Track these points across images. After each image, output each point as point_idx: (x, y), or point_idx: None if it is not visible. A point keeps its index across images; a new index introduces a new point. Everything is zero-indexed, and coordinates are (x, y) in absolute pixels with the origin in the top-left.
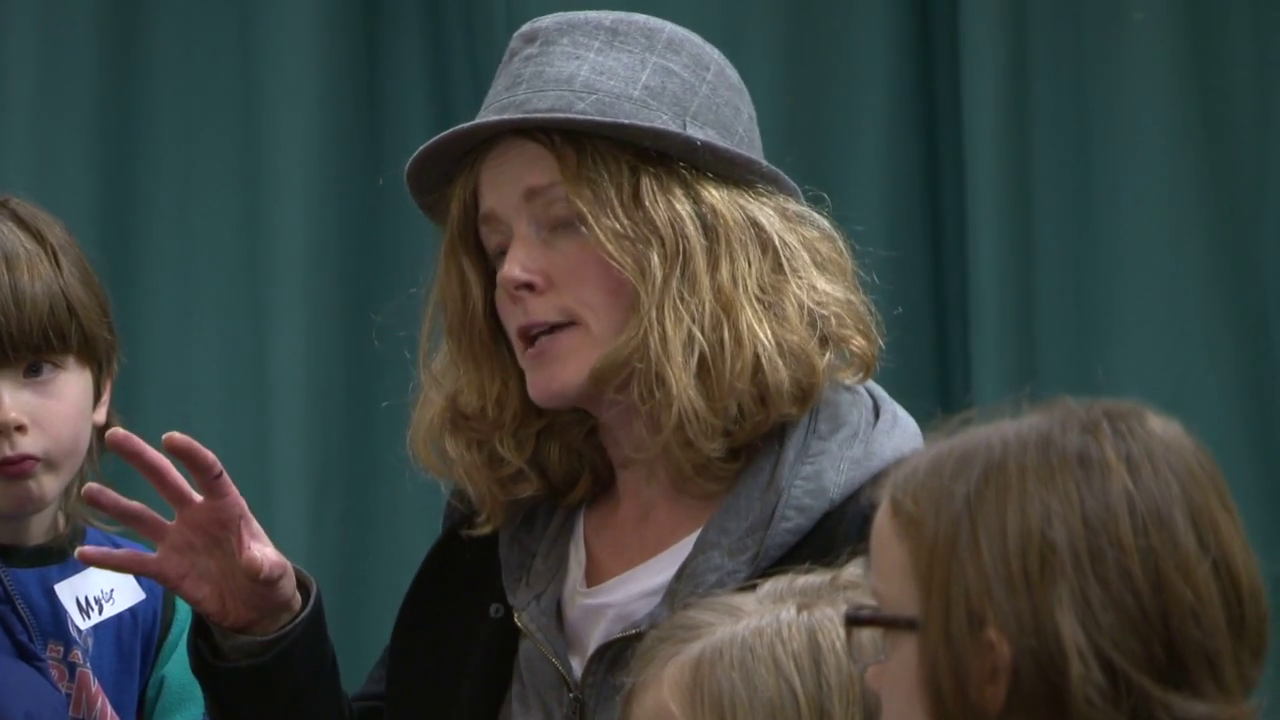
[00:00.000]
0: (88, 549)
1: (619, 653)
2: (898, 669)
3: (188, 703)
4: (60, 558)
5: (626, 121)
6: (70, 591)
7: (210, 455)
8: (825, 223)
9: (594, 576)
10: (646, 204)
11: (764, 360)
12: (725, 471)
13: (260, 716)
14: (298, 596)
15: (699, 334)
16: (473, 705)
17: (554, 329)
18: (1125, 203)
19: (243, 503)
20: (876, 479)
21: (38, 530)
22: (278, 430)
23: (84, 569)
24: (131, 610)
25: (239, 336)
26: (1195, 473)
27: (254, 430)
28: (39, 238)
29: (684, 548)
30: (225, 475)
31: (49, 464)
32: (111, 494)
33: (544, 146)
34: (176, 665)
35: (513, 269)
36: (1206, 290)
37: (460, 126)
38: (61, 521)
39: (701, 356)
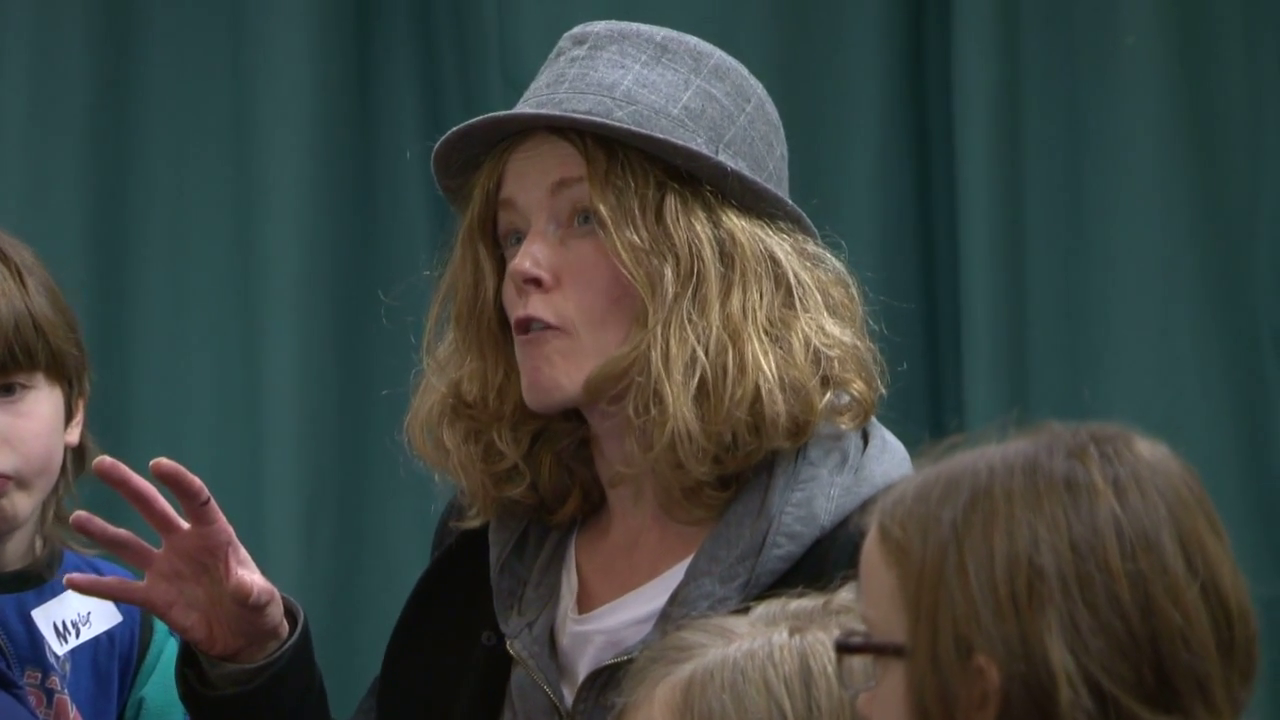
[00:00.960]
0: (76, 576)
1: (610, 678)
2: (887, 695)
3: None
4: (37, 582)
5: (661, 136)
6: (47, 617)
7: (198, 482)
8: (840, 266)
9: (585, 603)
10: (668, 220)
11: (764, 391)
12: (714, 500)
13: None
14: (285, 624)
15: (703, 356)
16: None
17: (547, 327)
18: (1117, 225)
19: (230, 530)
20: (866, 505)
21: (14, 555)
22: (270, 451)
23: (61, 593)
24: (109, 633)
25: (231, 357)
26: (1183, 495)
27: (246, 452)
28: (3, 258)
29: (675, 575)
30: (213, 502)
31: (21, 482)
32: (99, 522)
33: (575, 147)
34: (155, 686)
35: (524, 262)
36: (1198, 312)
37: (496, 113)
38: (39, 545)
39: (702, 379)
